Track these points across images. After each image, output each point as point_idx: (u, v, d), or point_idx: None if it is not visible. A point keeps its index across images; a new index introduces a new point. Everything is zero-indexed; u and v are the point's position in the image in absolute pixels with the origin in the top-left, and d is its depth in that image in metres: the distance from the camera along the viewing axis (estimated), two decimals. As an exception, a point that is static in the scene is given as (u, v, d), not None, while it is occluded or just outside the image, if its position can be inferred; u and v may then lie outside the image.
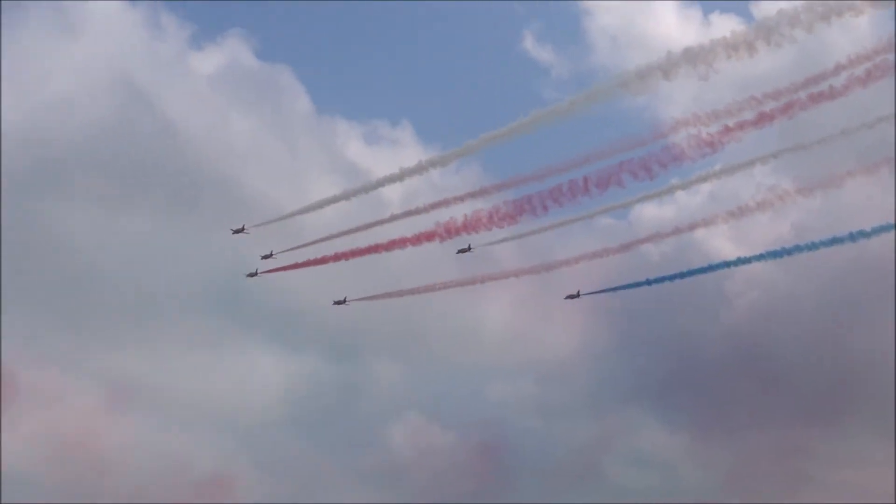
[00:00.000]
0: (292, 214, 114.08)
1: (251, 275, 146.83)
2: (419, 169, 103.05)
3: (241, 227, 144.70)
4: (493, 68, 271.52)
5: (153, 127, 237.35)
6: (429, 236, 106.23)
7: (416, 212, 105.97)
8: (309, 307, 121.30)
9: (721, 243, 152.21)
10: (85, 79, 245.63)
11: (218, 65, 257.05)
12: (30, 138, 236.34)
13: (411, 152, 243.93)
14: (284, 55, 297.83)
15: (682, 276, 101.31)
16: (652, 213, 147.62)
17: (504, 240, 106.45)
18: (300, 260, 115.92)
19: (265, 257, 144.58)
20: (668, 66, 77.26)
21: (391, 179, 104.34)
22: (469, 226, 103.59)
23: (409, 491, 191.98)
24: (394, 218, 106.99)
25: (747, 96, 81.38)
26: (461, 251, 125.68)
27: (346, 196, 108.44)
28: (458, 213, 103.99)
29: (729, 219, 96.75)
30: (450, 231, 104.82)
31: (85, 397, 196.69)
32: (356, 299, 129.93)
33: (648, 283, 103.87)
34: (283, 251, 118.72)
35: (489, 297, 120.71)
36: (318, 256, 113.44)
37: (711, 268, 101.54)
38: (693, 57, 75.82)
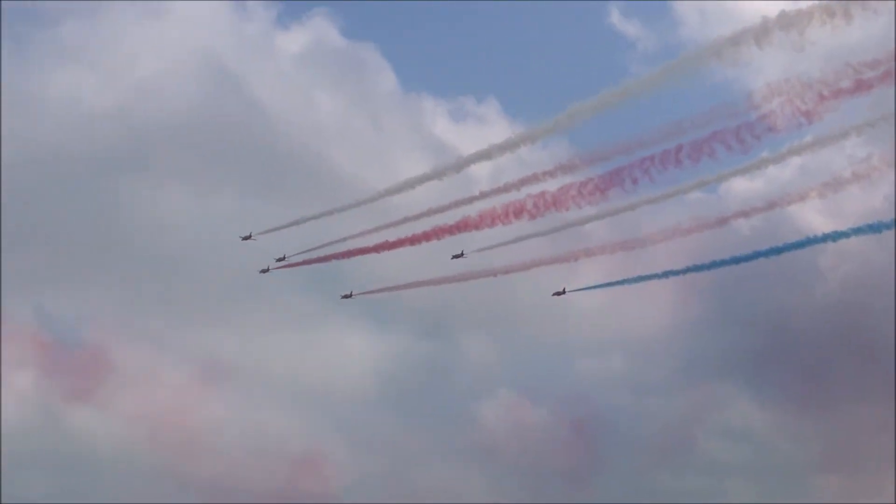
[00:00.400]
0: (380, 195, 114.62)
1: (263, 271, 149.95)
2: (508, 145, 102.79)
3: (248, 234, 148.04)
4: (579, 43, 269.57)
5: (240, 107, 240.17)
6: (518, 213, 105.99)
7: (505, 189, 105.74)
8: (402, 282, 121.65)
9: (813, 217, 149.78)
10: (172, 60, 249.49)
11: (303, 44, 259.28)
12: (119, 120, 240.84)
13: (497, 128, 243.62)
14: (369, 33, 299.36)
15: (775, 251, 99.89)
16: (742, 187, 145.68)
17: (595, 217, 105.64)
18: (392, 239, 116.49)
19: (279, 260, 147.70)
20: (762, 32, 75.85)
21: (479, 156, 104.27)
22: (558, 201, 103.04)
23: (501, 468, 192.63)
24: (483, 195, 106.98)
25: (842, 64, 79.56)
26: (455, 256, 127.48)
27: (434, 175, 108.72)
28: (547, 188, 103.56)
29: (822, 192, 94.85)
30: (539, 207, 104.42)
31: (177, 376, 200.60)
32: (364, 292, 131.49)
33: (735, 261, 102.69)
34: (371, 231, 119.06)
35: (579, 274, 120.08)
36: (409, 235, 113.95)
37: (806, 242, 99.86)
38: (788, 23, 74.24)
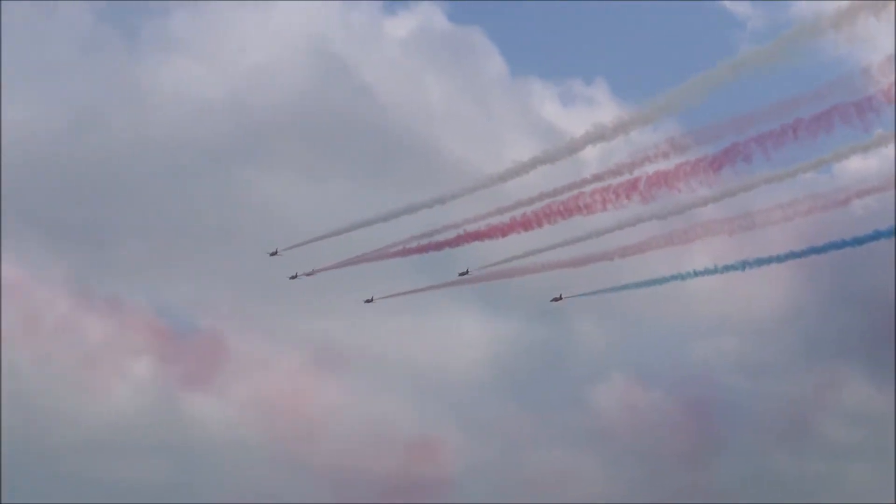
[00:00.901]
0: (493, 181, 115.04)
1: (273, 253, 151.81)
2: (617, 126, 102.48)
3: (274, 251, 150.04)
4: (688, 22, 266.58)
5: (349, 94, 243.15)
6: (629, 195, 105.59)
7: (616, 171, 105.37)
8: (514, 269, 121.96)
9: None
10: (281, 49, 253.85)
11: (411, 29, 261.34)
12: (230, 110, 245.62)
13: (607, 110, 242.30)
14: (476, 17, 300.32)
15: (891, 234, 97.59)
16: (856, 166, 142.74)
17: (708, 198, 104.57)
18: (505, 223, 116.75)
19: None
20: (880, 4, 74.31)
21: (589, 139, 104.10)
22: (670, 182, 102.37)
23: (616, 451, 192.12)
24: (594, 178, 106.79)
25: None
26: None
27: (545, 158, 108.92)
28: (659, 169, 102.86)
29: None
30: (651, 189, 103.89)
31: (292, 363, 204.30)
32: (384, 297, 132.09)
33: (858, 242, 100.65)
34: (484, 216, 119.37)
35: (693, 256, 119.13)
36: (520, 219, 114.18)
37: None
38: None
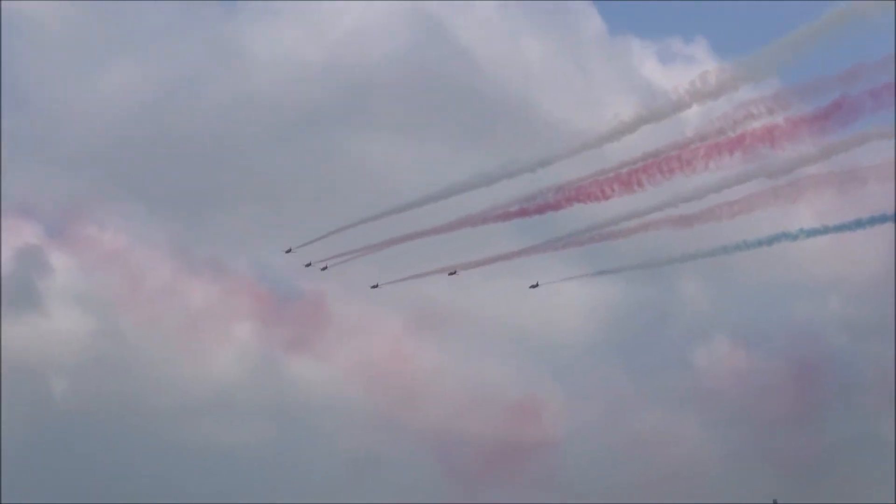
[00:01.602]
0: (596, 142, 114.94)
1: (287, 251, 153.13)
2: (718, 84, 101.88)
3: (288, 248, 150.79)
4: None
5: (447, 55, 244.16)
6: (732, 154, 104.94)
7: (718, 130, 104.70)
8: (615, 230, 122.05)
9: None
10: (379, 9, 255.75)
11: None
12: (329, 73, 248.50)
13: (707, 68, 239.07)
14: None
15: None
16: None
17: (812, 156, 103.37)
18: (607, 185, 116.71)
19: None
20: None
21: (692, 96, 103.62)
22: (773, 140, 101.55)
23: (719, 413, 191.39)
24: (695, 138, 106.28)
25: None
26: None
27: (646, 118, 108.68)
28: (761, 127, 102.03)
29: None
30: (753, 147, 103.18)
31: (394, 324, 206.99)
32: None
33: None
34: (586, 177, 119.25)
35: (798, 215, 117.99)
36: (623, 180, 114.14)
37: None
38: None
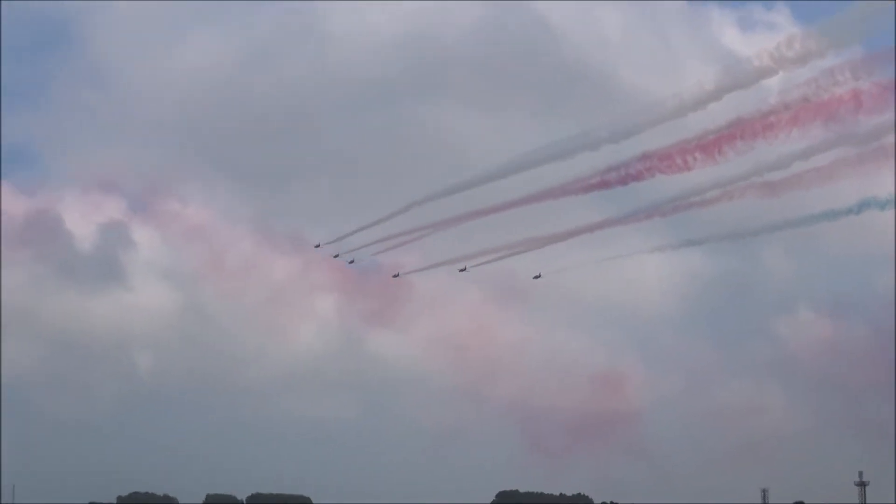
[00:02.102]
0: (678, 112, 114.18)
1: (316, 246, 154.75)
2: (803, 50, 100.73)
3: (317, 244, 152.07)
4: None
5: (525, 25, 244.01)
6: (815, 121, 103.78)
7: (800, 98, 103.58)
8: (698, 200, 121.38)
9: None
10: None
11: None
12: (406, 45, 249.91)
13: (788, 35, 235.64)
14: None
15: None
16: None
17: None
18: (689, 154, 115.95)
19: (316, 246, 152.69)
20: None
21: (775, 63, 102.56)
22: (857, 107, 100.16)
23: (804, 383, 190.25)
24: (782, 105, 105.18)
25: None
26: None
27: (731, 85, 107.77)
28: (844, 94, 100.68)
29: None
30: (838, 112, 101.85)
31: (476, 299, 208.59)
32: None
33: None
34: (669, 147, 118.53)
35: (881, 183, 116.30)
36: (705, 149, 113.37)
37: None
38: None
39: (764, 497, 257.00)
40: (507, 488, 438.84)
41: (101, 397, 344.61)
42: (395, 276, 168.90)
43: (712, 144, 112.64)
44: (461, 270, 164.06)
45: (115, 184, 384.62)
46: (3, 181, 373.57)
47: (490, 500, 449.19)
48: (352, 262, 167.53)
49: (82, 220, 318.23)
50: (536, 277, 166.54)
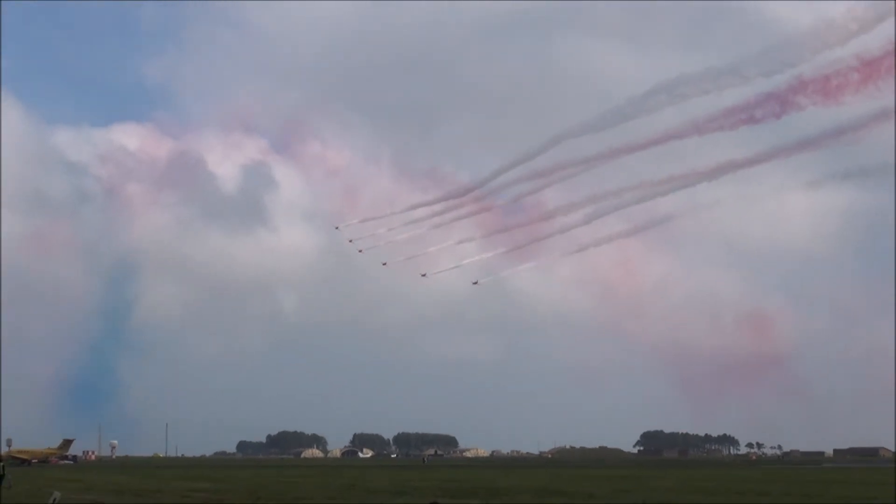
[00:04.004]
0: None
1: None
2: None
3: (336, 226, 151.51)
4: None
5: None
6: None
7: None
8: (853, 133, 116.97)
9: None
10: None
11: None
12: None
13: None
14: None
15: None
16: None
17: None
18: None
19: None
20: None
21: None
22: None
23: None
24: None
25: None
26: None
27: (885, 13, 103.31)
28: None
29: None
30: None
31: (620, 240, 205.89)
32: None
33: None
34: (813, 80, 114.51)
35: None
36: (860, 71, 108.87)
37: None
38: None
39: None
40: (651, 429, 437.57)
41: (248, 338, 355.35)
42: (423, 275, 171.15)
43: (869, 72, 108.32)
44: (474, 283, 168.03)
45: (256, 125, 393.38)
46: (146, 123, 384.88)
47: (634, 441, 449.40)
48: (360, 251, 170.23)
49: (225, 160, 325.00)
50: (475, 283, 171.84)
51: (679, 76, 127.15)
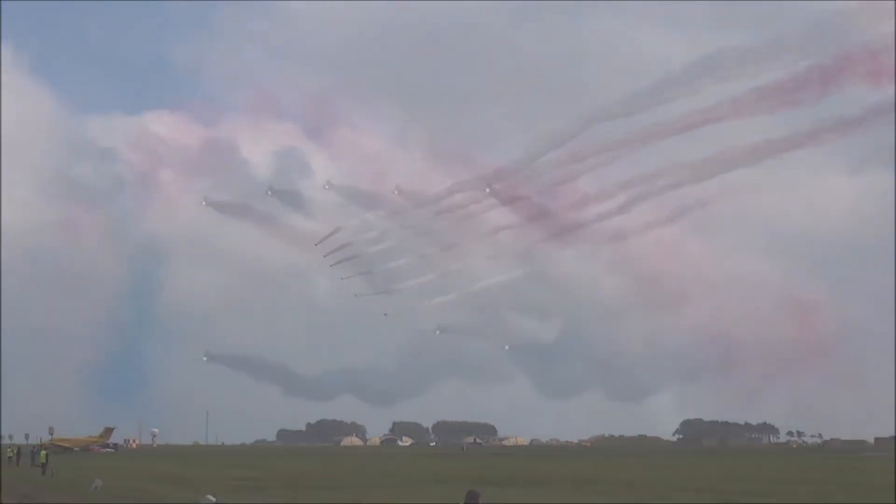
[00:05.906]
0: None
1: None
2: None
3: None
4: None
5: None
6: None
7: None
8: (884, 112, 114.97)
9: None
10: None
11: None
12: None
13: None
14: None
15: None
16: None
17: None
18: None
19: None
20: None
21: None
22: None
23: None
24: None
25: None
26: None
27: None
28: None
29: None
30: None
31: (657, 225, 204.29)
32: None
33: None
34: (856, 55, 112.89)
35: None
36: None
37: None
38: None
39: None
40: (691, 417, 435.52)
41: (284, 324, 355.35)
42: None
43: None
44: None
45: (286, 110, 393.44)
46: (177, 110, 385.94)
47: (674, 429, 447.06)
48: (334, 264, 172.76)
49: (257, 147, 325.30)
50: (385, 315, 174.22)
51: (715, 54, 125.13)
